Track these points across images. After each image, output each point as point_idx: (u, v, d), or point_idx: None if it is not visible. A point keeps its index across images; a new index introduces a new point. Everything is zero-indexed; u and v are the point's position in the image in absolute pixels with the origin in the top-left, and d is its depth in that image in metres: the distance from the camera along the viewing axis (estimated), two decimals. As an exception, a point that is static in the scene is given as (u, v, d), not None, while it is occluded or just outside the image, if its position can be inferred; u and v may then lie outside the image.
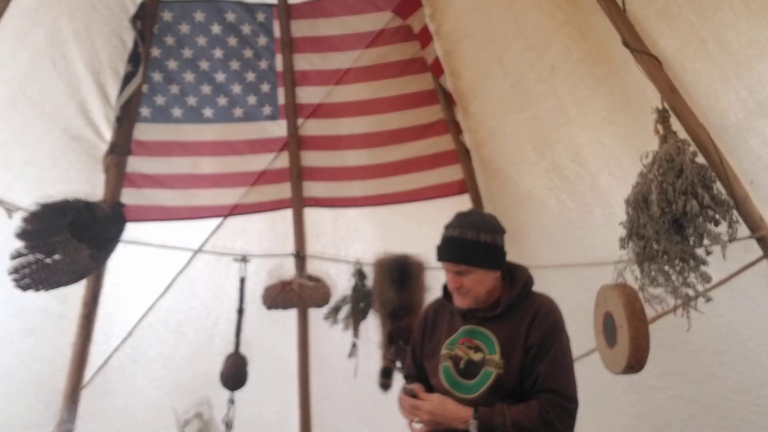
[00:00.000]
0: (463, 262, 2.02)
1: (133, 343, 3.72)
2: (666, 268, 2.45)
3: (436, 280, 3.28)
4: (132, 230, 3.52)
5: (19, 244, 3.08)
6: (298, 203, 3.92)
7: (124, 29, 3.34)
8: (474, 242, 2.01)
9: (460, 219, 2.09)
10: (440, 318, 2.22)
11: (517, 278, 2.11)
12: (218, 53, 3.68)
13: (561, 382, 1.93)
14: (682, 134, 2.51)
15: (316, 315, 3.92)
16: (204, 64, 3.67)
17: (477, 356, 2.02)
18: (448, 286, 2.12)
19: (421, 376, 2.25)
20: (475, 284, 2.03)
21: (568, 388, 1.94)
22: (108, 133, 3.46)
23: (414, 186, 3.88)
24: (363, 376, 3.76)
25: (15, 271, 3.07)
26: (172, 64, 3.63)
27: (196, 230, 3.82)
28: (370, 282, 3.80)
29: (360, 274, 3.85)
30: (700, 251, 2.40)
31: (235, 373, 3.68)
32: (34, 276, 3.10)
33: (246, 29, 3.70)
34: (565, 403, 1.91)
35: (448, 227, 2.10)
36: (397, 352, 3.43)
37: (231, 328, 3.78)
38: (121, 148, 3.51)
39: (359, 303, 3.80)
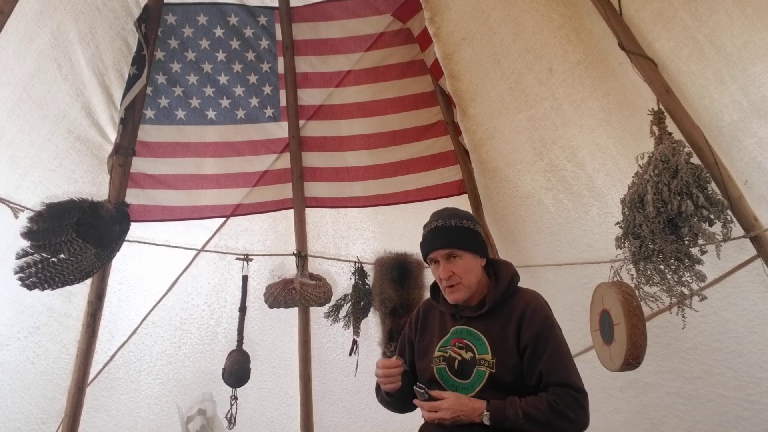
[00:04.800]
0: (452, 245, 2.04)
1: (137, 341, 3.75)
2: (661, 267, 2.48)
3: (435, 279, 3.31)
4: (136, 230, 3.57)
5: (24, 244, 3.12)
6: (300, 203, 3.95)
7: (129, 32, 3.37)
8: (458, 227, 2.06)
9: (439, 213, 2.13)
10: (430, 319, 2.22)
11: (501, 275, 2.11)
12: (221, 56, 3.72)
13: (565, 375, 1.94)
14: (678, 135, 2.54)
15: (317, 313, 3.96)
16: (207, 67, 3.71)
17: (467, 355, 2.03)
18: (438, 280, 2.11)
19: (411, 372, 2.25)
20: (466, 272, 2.03)
21: (573, 379, 1.94)
22: (113, 134, 3.49)
23: (414, 186, 3.90)
24: (363, 373, 3.80)
25: (21, 270, 3.11)
26: (175, 67, 3.67)
27: (200, 230, 3.85)
28: (370, 281, 3.84)
29: (360, 273, 3.88)
30: (694, 250, 2.43)
31: (237, 371, 3.72)
32: (39, 275, 3.15)
33: (248, 32, 3.74)
34: (574, 393, 1.91)
35: (428, 223, 2.12)
36: (396, 349, 3.45)
37: (233, 326, 3.82)
38: (125, 149, 3.54)
39: (360, 301, 3.84)
